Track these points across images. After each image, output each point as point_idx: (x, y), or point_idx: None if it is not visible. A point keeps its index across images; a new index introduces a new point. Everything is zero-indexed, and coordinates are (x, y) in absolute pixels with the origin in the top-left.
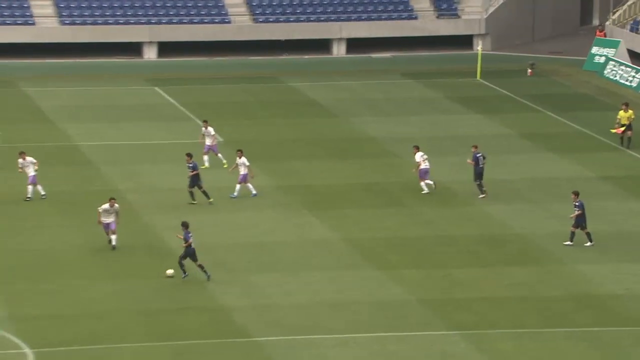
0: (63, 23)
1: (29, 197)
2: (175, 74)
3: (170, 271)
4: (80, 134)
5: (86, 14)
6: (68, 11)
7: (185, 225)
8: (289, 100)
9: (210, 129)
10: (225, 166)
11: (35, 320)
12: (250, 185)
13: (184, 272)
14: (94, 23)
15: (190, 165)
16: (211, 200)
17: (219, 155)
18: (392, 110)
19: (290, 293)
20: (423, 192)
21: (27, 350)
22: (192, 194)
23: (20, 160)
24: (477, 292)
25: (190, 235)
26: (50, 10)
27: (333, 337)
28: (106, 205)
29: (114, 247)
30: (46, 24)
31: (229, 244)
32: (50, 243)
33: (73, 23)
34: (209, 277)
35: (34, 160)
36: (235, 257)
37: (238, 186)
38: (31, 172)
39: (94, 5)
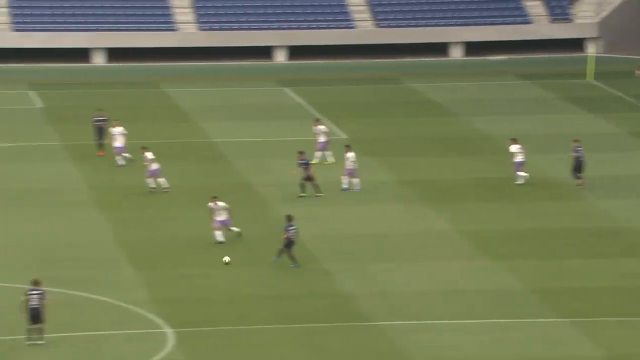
0: (202, 29)
1: (166, 188)
2: (303, 75)
3: (226, 258)
4: (215, 131)
5: (223, 20)
6: (206, 18)
7: (288, 218)
8: (409, 100)
9: (322, 127)
10: (327, 162)
11: (174, 303)
12: (345, 179)
13: (294, 263)
14: (230, 29)
15: (303, 161)
16: (305, 195)
17: (321, 153)
18: (507, 109)
19: (409, 281)
20: (517, 182)
21: (167, 330)
22: (302, 186)
23: (144, 155)
24: (588, 282)
25: (291, 228)
26: (190, 17)
27: (449, 323)
28: (211, 204)
29: (239, 235)
30: (187, 30)
31: (353, 234)
32: (188, 232)
33: (210, 29)
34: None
35: (153, 157)
36: (359, 246)
37: (355, 180)
38: (152, 166)
39: (230, 12)
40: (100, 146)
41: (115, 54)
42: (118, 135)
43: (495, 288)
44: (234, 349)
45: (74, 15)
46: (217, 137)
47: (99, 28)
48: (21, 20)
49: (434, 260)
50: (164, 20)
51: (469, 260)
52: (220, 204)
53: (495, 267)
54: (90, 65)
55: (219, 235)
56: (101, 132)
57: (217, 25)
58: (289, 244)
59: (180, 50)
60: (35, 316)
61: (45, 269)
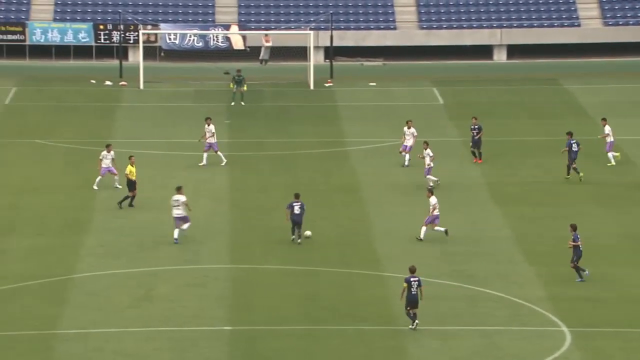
0: (606, 24)
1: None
2: None
3: (307, 232)
4: (615, 128)
5: (629, 15)
6: (612, 13)
7: (573, 228)
8: None
9: (607, 128)
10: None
11: (571, 301)
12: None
13: (580, 276)
14: (636, 24)
15: (567, 142)
16: (568, 177)
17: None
18: None
19: None
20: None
21: (564, 329)
22: (569, 168)
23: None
24: None
25: (578, 237)
26: (595, 12)
27: None
28: None
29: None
30: (591, 25)
31: None
32: (591, 230)
33: (616, 24)
34: (582, 276)
35: (432, 155)
36: None
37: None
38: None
39: (637, 7)
40: (474, 154)
41: (515, 50)
42: (409, 136)
43: None
44: (636, 352)
45: (477, 12)
46: (617, 134)
47: (502, 25)
48: (427, 18)
49: None
50: (568, 16)
51: None
52: None
53: None
54: (491, 62)
55: None
56: (475, 139)
57: (622, 20)
58: (580, 254)
59: (583, 46)
60: (414, 302)
61: (445, 263)
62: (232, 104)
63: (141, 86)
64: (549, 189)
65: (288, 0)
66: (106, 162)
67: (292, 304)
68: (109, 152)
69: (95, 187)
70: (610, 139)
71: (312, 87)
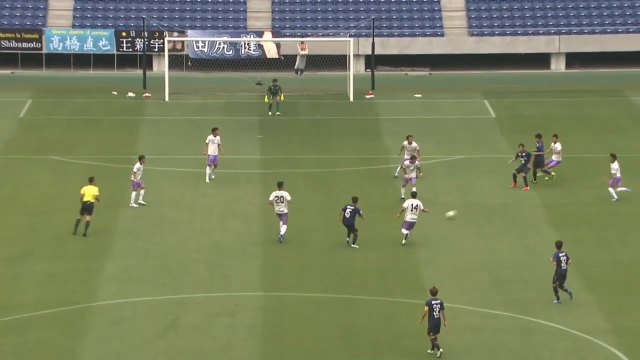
0: None
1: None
2: None
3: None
4: None
5: None
6: None
7: (557, 245)
8: None
9: (558, 146)
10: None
11: (636, 334)
12: (611, 190)
13: (556, 297)
14: None
15: (537, 145)
16: (536, 182)
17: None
18: None
19: None
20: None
21: None
22: (535, 173)
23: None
24: None
25: (560, 255)
26: None
27: None
28: None
29: None
30: None
31: None
32: None
33: None
34: (559, 298)
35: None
36: None
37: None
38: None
39: None
40: (514, 177)
41: (575, 58)
42: (409, 152)
43: None
44: None
45: (533, 17)
46: None
47: (560, 31)
48: (477, 24)
49: None
50: (633, 22)
51: None
52: None
53: None
54: (548, 72)
55: None
56: (524, 165)
57: None
58: (562, 273)
59: None
60: (437, 326)
61: (497, 291)
62: (270, 113)
63: (166, 98)
64: (611, 210)
65: (326, 5)
66: (139, 176)
67: (329, 334)
68: (141, 164)
69: (134, 205)
70: (558, 157)
71: (351, 99)
